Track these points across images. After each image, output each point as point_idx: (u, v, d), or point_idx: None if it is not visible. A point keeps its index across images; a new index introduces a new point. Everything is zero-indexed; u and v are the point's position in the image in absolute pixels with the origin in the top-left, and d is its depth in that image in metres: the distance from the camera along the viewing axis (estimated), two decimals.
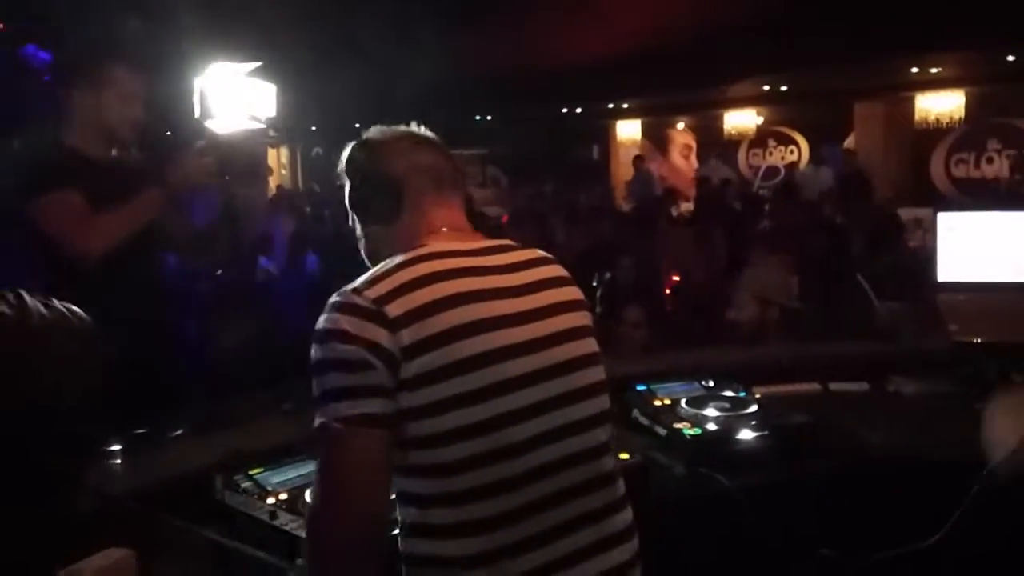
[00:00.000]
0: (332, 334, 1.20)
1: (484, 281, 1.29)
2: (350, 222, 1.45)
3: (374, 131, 1.44)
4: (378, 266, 1.28)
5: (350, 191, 1.43)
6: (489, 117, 13.86)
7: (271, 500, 1.66)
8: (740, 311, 3.16)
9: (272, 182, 11.60)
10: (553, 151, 14.43)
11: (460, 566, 1.21)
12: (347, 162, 1.43)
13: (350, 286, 1.25)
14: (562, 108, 13.46)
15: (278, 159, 13.90)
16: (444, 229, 1.36)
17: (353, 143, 1.44)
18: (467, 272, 1.29)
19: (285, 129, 11.83)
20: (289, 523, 1.56)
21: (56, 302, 0.89)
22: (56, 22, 3.84)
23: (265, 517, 1.60)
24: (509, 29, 8.93)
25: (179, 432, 1.98)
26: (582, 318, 1.39)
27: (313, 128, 13.18)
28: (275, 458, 1.76)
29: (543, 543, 1.26)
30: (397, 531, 1.27)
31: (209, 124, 2.36)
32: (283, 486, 1.68)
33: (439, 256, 1.29)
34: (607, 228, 6.51)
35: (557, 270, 1.41)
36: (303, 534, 1.42)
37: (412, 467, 1.23)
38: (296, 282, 6.22)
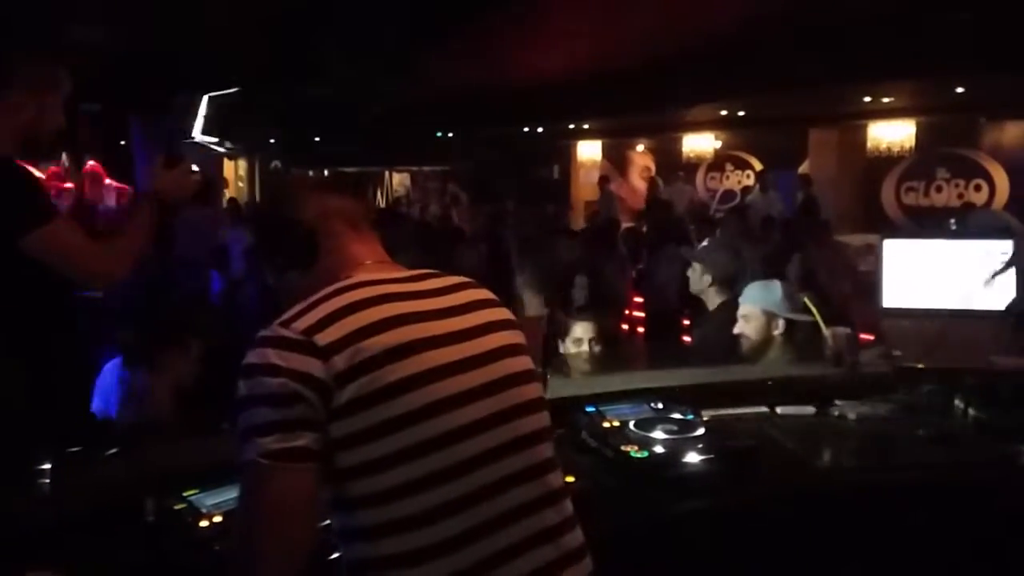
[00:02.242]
0: (259, 368, 1.18)
1: (414, 305, 1.28)
2: (268, 273, 1.44)
3: (280, 180, 1.46)
4: (305, 300, 1.26)
5: (260, 243, 1.42)
6: (450, 134, 13.88)
7: (204, 523, 1.61)
8: (745, 324, 3.16)
9: (227, 194, 11.43)
10: (514, 170, 14.49)
11: None
12: (256, 215, 1.43)
13: (276, 321, 1.23)
14: (523, 127, 13.54)
15: (235, 171, 13.74)
16: (368, 262, 1.36)
17: (260, 200, 1.44)
18: (396, 297, 1.28)
19: (243, 142, 11.71)
20: (223, 547, 1.51)
21: None
22: None
23: (198, 541, 1.55)
24: (472, 48, 8.97)
25: (112, 451, 1.92)
26: (514, 336, 1.38)
27: (272, 141, 13.08)
28: (211, 479, 1.71)
29: (501, 563, 1.24)
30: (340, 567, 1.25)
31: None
32: (218, 508, 1.64)
33: (366, 284, 1.28)
34: (563, 248, 6.53)
35: (484, 293, 1.42)
36: None
37: (352, 499, 1.20)
38: (253, 295, 6.15)
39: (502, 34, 8.72)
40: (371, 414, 1.18)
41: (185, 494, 1.68)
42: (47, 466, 1.68)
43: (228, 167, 12.77)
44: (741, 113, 12.13)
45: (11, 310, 2.08)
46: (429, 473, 1.20)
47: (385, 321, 1.23)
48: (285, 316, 1.24)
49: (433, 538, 1.20)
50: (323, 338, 1.19)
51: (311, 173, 10.25)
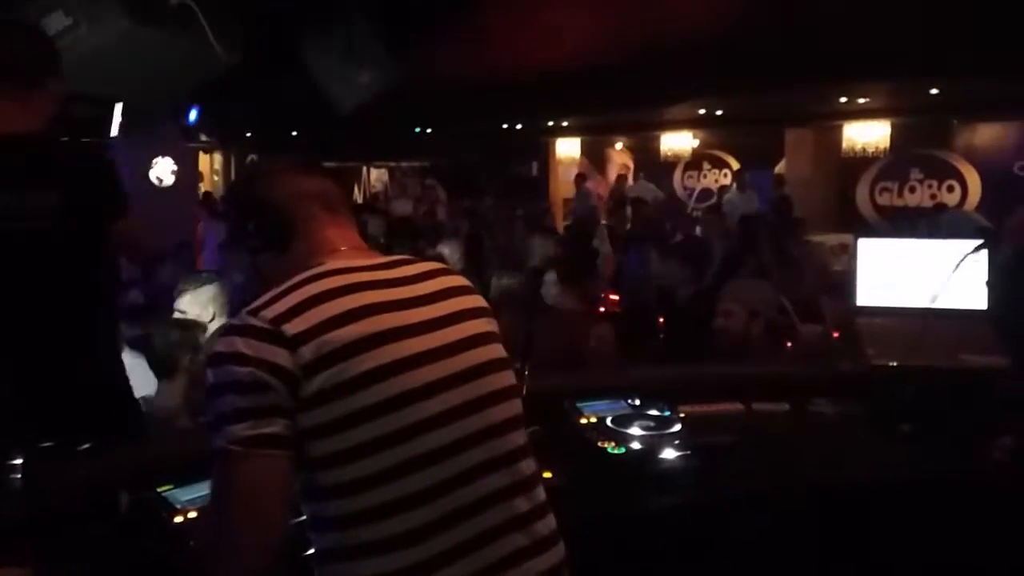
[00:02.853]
0: (228, 357, 1.18)
1: (385, 294, 1.28)
2: (243, 256, 1.43)
3: (256, 165, 1.45)
4: (275, 287, 1.26)
5: (236, 226, 1.41)
6: (429, 130, 13.83)
7: (179, 519, 1.60)
8: (727, 320, 3.18)
9: (202, 187, 11.34)
10: (492, 166, 14.47)
11: None
12: (231, 199, 1.42)
13: (246, 308, 1.23)
14: (502, 123, 13.52)
15: (211, 164, 13.61)
16: (343, 248, 1.35)
17: (235, 180, 1.43)
18: (367, 286, 1.28)
19: (219, 135, 11.59)
20: (197, 542, 1.50)
21: None
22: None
23: (172, 535, 1.54)
24: (451, 42, 8.93)
25: (86, 446, 1.90)
26: (487, 324, 1.39)
27: (248, 135, 12.95)
28: (185, 474, 1.69)
29: (473, 550, 1.24)
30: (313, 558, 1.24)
31: None
32: (192, 504, 1.63)
33: (337, 272, 1.28)
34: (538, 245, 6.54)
35: (458, 279, 1.42)
36: None
37: (324, 488, 1.20)
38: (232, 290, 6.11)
39: (482, 29, 8.70)
40: (339, 405, 1.18)
41: (159, 489, 1.67)
42: (18, 461, 1.66)
43: (204, 160, 12.66)
44: (719, 112, 12.19)
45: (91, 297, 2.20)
46: (399, 463, 1.20)
47: (354, 311, 1.23)
48: (255, 304, 1.23)
49: (404, 526, 1.20)
50: (291, 328, 1.18)
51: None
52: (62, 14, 3.24)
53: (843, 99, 10.50)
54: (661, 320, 4.79)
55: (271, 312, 1.20)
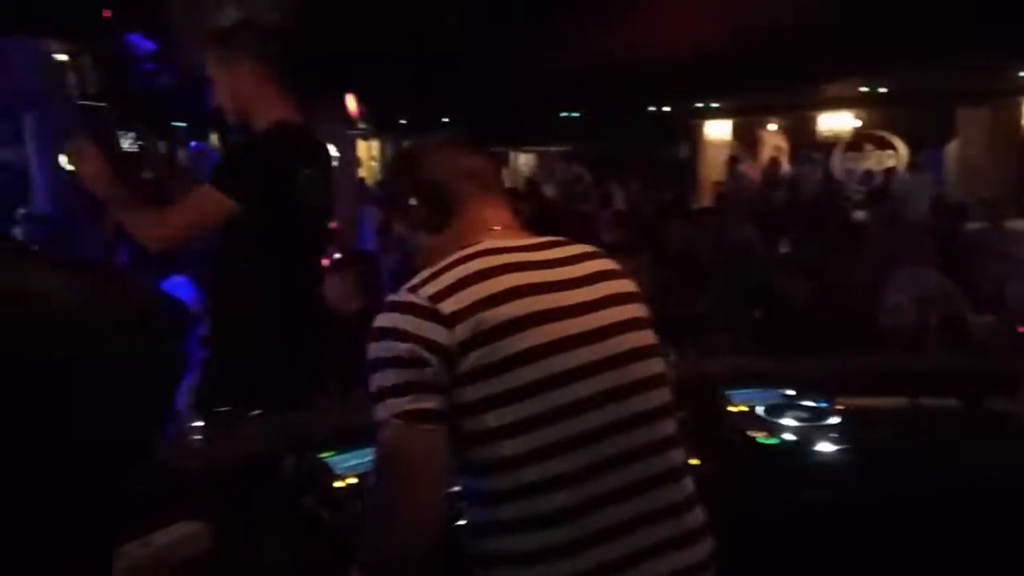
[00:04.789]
0: (388, 332, 1.22)
1: (539, 275, 1.29)
2: (401, 233, 1.47)
3: (413, 141, 1.47)
4: (433, 265, 1.29)
5: (396, 203, 1.44)
6: (575, 114, 13.80)
7: (339, 484, 1.68)
8: (892, 311, 3.00)
9: (360, 173, 11.82)
10: (640, 149, 14.27)
11: (535, 561, 1.21)
12: (390, 175, 1.45)
13: (406, 285, 1.26)
14: (650, 106, 13.30)
15: (368, 152, 14.15)
16: (497, 227, 1.37)
17: (393, 155, 1.46)
18: (522, 266, 1.29)
19: (375, 122, 12.03)
20: (358, 507, 1.58)
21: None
22: (162, 12, 3.99)
23: (333, 500, 1.62)
24: (597, 24, 8.86)
25: (256, 412, 2.03)
26: (638, 310, 1.38)
27: (403, 122, 13.36)
28: (347, 441, 1.78)
29: (617, 536, 1.25)
30: (465, 531, 1.28)
31: None
32: (353, 470, 1.71)
33: (493, 252, 1.30)
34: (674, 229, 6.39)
35: (608, 263, 1.41)
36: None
37: (476, 464, 1.24)
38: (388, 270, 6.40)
39: (629, 9, 8.57)
40: (494, 383, 1.21)
41: (321, 455, 1.76)
42: (200, 423, 1.79)
43: (362, 147, 13.18)
44: (882, 89, 11.48)
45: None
46: (547, 444, 1.22)
47: (510, 291, 1.25)
48: (414, 281, 1.27)
49: (549, 507, 1.22)
50: (448, 306, 1.21)
51: None
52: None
53: (1023, 73, 9.65)
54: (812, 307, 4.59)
55: (430, 289, 1.24)
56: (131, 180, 2.33)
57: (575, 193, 11.64)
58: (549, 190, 12.26)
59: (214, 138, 8.49)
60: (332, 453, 1.76)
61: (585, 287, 1.33)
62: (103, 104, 2.22)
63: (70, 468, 0.76)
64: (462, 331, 1.20)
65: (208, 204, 2.15)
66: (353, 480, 1.68)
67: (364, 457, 1.75)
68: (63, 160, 2.19)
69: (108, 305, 0.81)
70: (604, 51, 9.48)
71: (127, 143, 2.29)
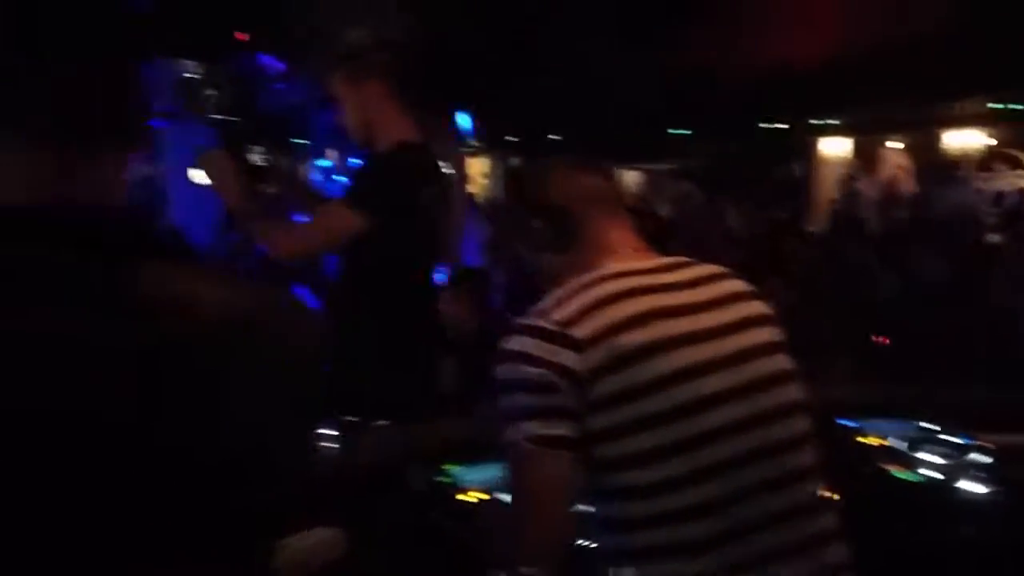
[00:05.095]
0: (517, 356, 1.23)
1: (668, 298, 1.27)
2: (524, 253, 1.47)
3: (531, 160, 1.47)
4: (561, 288, 1.28)
5: (518, 224, 1.44)
6: (685, 131, 13.63)
7: (466, 497, 1.70)
8: None
9: (470, 190, 12.01)
10: (752, 167, 13.95)
11: None
12: (511, 196, 1.46)
13: (535, 308, 1.26)
14: (763, 122, 13.00)
15: (478, 168, 14.34)
16: (622, 249, 1.35)
17: (511, 173, 1.47)
18: (651, 290, 1.27)
19: (485, 139, 12.20)
20: (485, 523, 1.58)
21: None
22: (293, 33, 4.17)
23: (460, 514, 1.63)
24: (707, 39, 8.74)
25: (381, 423, 2.07)
26: (772, 334, 1.33)
27: (513, 139, 13.48)
28: (471, 456, 1.80)
29: (753, 569, 1.22)
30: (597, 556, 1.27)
31: None
32: (478, 485, 1.72)
33: (621, 276, 1.29)
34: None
35: (740, 284, 1.37)
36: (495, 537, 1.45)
37: (608, 490, 1.23)
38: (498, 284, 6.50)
39: (741, 24, 8.41)
40: (627, 409, 1.19)
41: (447, 467, 1.78)
42: (334, 432, 1.84)
43: (473, 164, 13.37)
44: (1016, 107, 10.85)
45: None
46: (682, 473, 1.20)
47: (642, 316, 1.23)
48: (542, 305, 1.27)
49: (686, 536, 1.19)
50: (579, 331, 1.21)
51: None
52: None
53: None
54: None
55: (559, 314, 1.24)
56: (259, 193, 2.43)
57: (686, 211, 11.48)
58: (663, 209, 12.13)
59: (332, 155, 8.79)
60: (457, 466, 1.77)
61: (716, 310, 1.30)
62: (236, 119, 2.32)
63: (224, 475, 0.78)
64: (594, 357, 1.20)
65: (338, 220, 2.23)
66: (480, 495, 1.69)
67: (489, 472, 1.76)
68: (197, 173, 2.30)
69: (267, 315, 0.84)
70: (716, 64, 9.33)
71: (255, 158, 2.40)
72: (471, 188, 12.29)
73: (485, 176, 14.38)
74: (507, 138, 13.35)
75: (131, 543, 0.73)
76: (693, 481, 1.20)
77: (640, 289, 1.27)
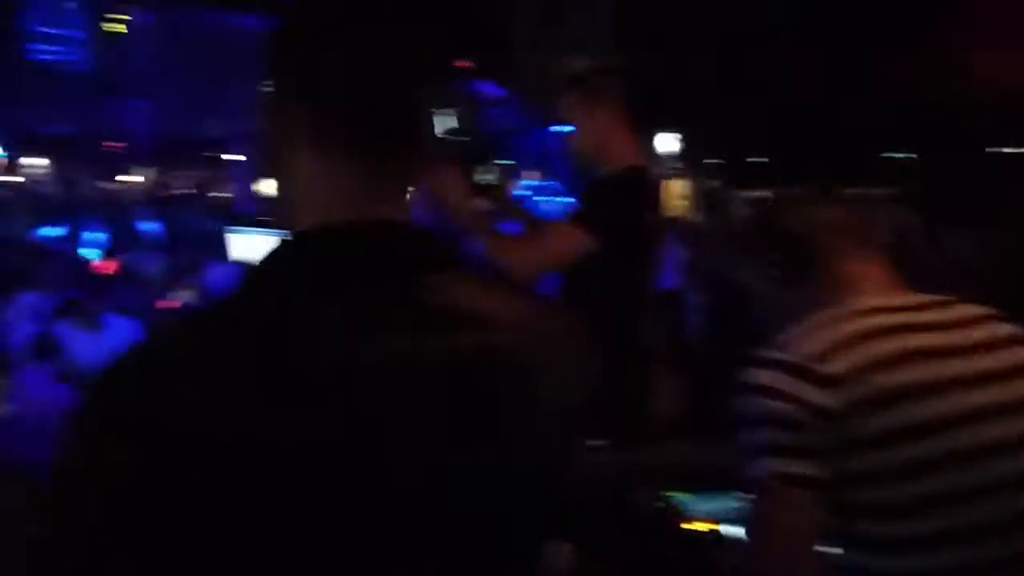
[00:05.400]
0: (759, 389, 1.19)
1: (928, 338, 1.19)
2: (757, 284, 1.43)
3: (780, 193, 1.43)
4: (807, 321, 1.23)
5: (753, 256, 1.41)
6: (912, 155, 12.81)
7: (691, 527, 1.66)
8: None
9: (665, 212, 11.93)
10: (982, 194, 12.87)
11: None
12: (755, 226, 1.42)
13: (779, 340, 1.22)
14: (995, 146, 11.96)
15: (678, 191, 14.27)
16: (869, 285, 1.28)
17: (760, 207, 1.43)
18: (906, 328, 1.20)
19: (686, 162, 12.10)
20: (718, 557, 1.55)
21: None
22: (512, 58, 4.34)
23: (689, 543, 1.60)
24: (934, 56, 8.17)
25: (602, 443, 2.07)
26: None
27: (711, 161, 13.27)
28: (699, 483, 1.76)
29: None
30: None
31: None
32: (708, 516, 1.68)
33: (872, 312, 1.22)
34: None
35: (1012, 328, 1.26)
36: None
37: (864, 539, 1.17)
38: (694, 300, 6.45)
39: (975, 37, 7.79)
40: (886, 456, 1.13)
41: (670, 493, 1.75)
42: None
43: (671, 186, 13.29)
44: None
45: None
46: (949, 528, 1.12)
47: (905, 355, 1.16)
48: (786, 337, 1.23)
49: None
50: (828, 367, 1.15)
51: (753, 193, 10.25)
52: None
53: None
54: None
55: (806, 349, 1.19)
56: (482, 211, 2.53)
57: (905, 241, 10.75)
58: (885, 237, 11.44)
59: (533, 176, 9.02)
60: (685, 494, 1.74)
61: (989, 353, 1.20)
62: (467, 138, 2.44)
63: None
64: (848, 394, 1.14)
65: (571, 240, 2.28)
66: (708, 525, 1.65)
67: (717, 502, 1.72)
68: (428, 191, 2.42)
69: (549, 330, 0.85)
70: (938, 81, 8.72)
71: (483, 177, 2.53)
72: (670, 210, 12.20)
73: (684, 198, 14.24)
74: (708, 160, 13.15)
75: None
76: (959, 540, 1.11)
77: (895, 327, 1.20)
